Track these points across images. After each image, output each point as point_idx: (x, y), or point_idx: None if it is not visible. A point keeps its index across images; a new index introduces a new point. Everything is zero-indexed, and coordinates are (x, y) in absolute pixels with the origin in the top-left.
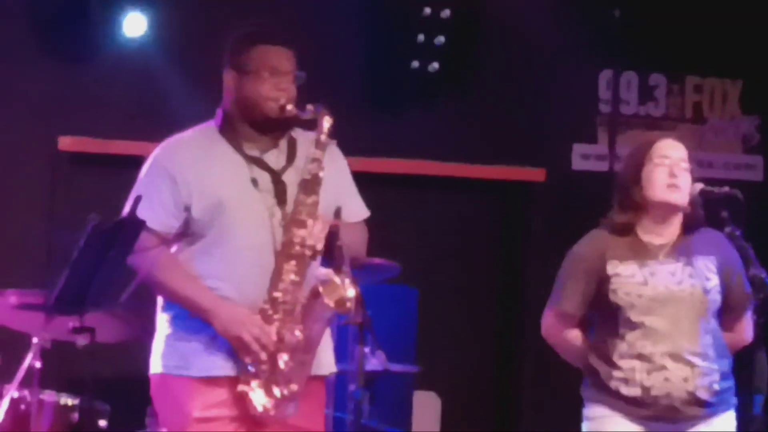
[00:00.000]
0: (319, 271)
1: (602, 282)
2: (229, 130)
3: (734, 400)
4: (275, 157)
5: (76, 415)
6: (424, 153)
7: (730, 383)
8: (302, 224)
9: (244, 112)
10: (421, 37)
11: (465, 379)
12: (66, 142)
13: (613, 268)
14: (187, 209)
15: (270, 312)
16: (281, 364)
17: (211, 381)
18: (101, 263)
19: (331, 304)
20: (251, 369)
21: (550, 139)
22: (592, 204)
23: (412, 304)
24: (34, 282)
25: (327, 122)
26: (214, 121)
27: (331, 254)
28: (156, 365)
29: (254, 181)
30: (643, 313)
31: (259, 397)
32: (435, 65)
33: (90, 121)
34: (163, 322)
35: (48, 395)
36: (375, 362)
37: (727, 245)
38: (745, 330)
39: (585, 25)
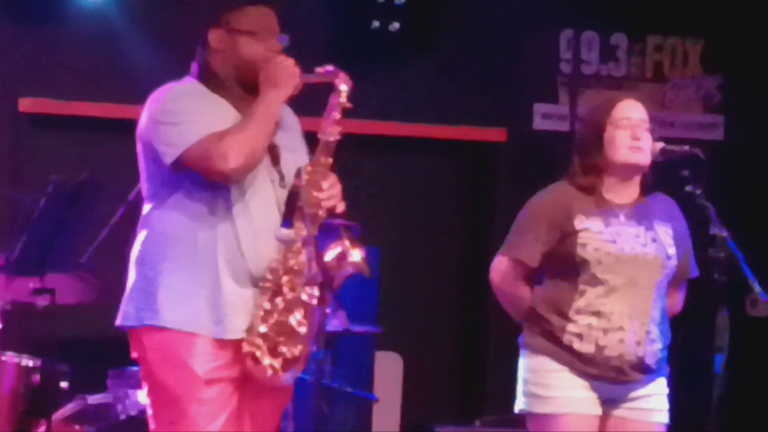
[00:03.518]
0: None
1: (566, 235)
2: (221, 89)
3: (667, 370)
4: None
5: (37, 377)
6: (385, 113)
7: (666, 354)
8: (319, 186)
9: (236, 74)
10: None
11: (427, 339)
12: (26, 104)
13: (580, 222)
14: None
15: (281, 272)
16: (293, 322)
17: (219, 341)
18: (62, 224)
19: (358, 265)
20: None
21: (511, 99)
22: (553, 164)
23: (374, 264)
24: None
25: (346, 85)
26: (192, 78)
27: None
28: (153, 317)
29: None
30: (608, 270)
31: (267, 358)
32: (396, 25)
33: (50, 83)
34: (163, 272)
35: (8, 357)
36: (336, 323)
37: (679, 214)
38: (680, 300)
39: None
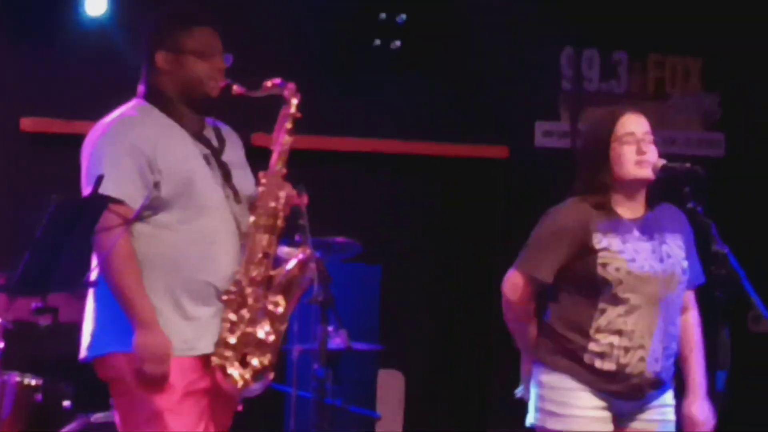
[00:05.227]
0: (281, 249)
1: (586, 254)
2: (170, 109)
3: (673, 382)
4: (210, 137)
5: (39, 396)
6: (387, 131)
7: (674, 366)
8: (276, 197)
9: (184, 93)
10: (382, 15)
11: (429, 357)
12: (28, 123)
13: (598, 241)
14: (156, 186)
15: (244, 284)
16: (261, 334)
17: (191, 358)
18: (64, 243)
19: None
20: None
21: (512, 117)
22: (555, 181)
23: (375, 282)
24: None
25: (295, 97)
26: (141, 100)
27: (293, 232)
28: (126, 344)
29: (206, 158)
30: (629, 290)
31: (236, 370)
32: (397, 43)
33: (52, 102)
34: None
35: (11, 376)
36: (338, 341)
37: (685, 221)
38: (694, 305)
39: (546, 1)
